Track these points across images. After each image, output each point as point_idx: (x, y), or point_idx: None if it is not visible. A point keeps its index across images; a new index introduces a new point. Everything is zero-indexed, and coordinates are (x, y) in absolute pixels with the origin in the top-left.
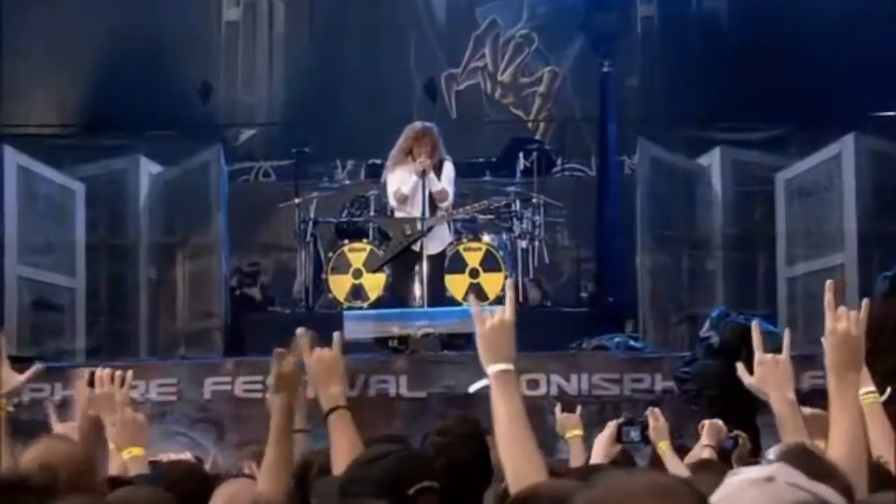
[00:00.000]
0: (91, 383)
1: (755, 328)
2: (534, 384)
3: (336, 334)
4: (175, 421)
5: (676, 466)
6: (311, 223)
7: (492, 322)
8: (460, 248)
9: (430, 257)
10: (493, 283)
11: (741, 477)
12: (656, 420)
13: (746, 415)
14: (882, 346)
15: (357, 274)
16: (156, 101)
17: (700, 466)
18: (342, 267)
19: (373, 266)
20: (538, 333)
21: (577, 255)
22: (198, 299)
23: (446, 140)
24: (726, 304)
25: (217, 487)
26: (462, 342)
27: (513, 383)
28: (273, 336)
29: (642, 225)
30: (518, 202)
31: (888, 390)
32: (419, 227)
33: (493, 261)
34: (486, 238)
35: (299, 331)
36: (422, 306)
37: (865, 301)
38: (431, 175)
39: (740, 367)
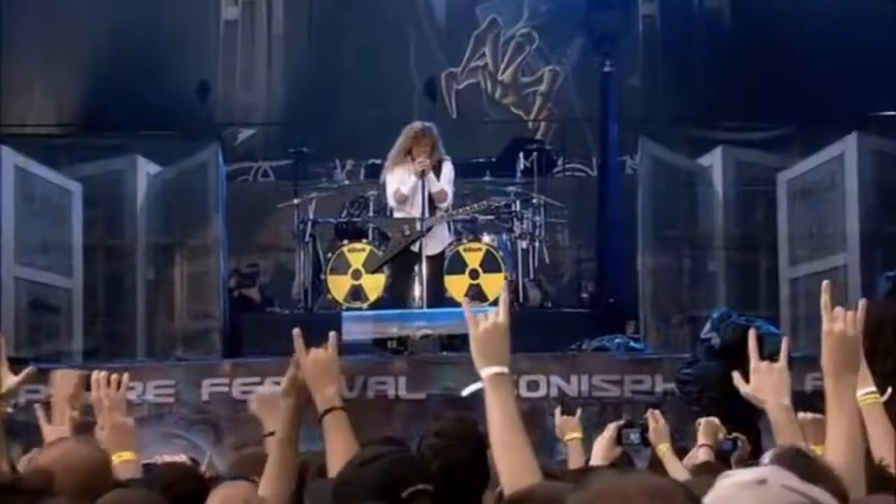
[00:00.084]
0: (87, 386)
1: (751, 336)
2: (534, 385)
3: (332, 334)
4: (172, 423)
5: (676, 469)
6: (310, 223)
7: (485, 325)
8: (460, 248)
9: (430, 258)
10: (493, 283)
11: (733, 479)
12: (656, 422)
13: (747, 417)
14: (881, 347)
15: (356, 275)
16: (154, 101)
17: (700, 469)
18: (341, 267)
19: (372, 266)
20: (539, 334)
21: (577, 255)
22: (196, 300)
23: (446, 140)
24: (728, 305)
25: (213, 490)
26: (461, 343)
27: (507, 386)
28: (272, 337)
29: (643, 225)
30: (518, 202)
31: (889, 390)
32: (418, 227)
33: (493, 261)
34: (486, 238)
35: (295, 331)
36: (421, 307)
37: (862, 301)
38: (431, 175)
39: (736, 377)
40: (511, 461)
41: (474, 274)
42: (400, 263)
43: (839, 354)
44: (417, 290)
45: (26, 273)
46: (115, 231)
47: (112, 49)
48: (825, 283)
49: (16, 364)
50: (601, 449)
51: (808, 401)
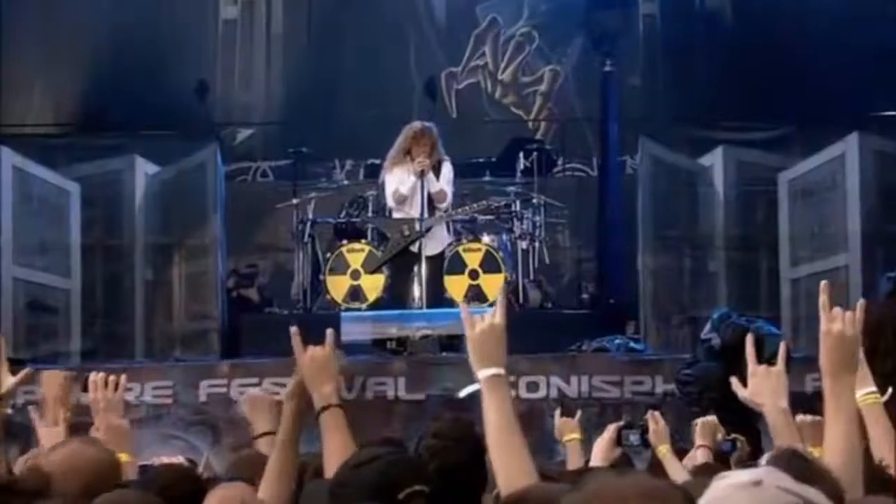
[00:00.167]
0: (84, 387)
1: (749, 340)
2: (533, 386)
3: (329, 332)
4: (170, 424)
5: (676, 470)
6: (308, 224)
7: (482, 326)
8: (460, 248)
9: (429, 258)
10: (492, 284)
11: (728, 481)
12: (656, 423)
13: (747, 418)
14: (881, 347)
15: (355, 275)
16: (152, 101)
17: (700, 470)
18: (340, 268)
19: (371, 267)
20: (539, 335)
21: (577, 255)
22: (194, 301)
23: (446, 139)
24: (729, 305)
25: (210, 491)
26: (461, 344)
27: (504, 388)
28: (270, 338)
29: (644, 225)
30: (518, 202)
31: (889, 391)
32: (418, 227)
33: (492, 262)
34: (485, 239)
35: (293, 329)
36: (421, 308)
37: (861, 301)
38: (430, 175)
39: (734, 381)
40: (508, 463)
41: (474, 274)
42: (399, 264)
43: (837, 354)
44: (417, 291)
45: (24, 274)
46: (114, 231)
47: (110, 48)
48: (823, 283)
49: (14, 365)
50: (601, 450)
51: (809, 402)
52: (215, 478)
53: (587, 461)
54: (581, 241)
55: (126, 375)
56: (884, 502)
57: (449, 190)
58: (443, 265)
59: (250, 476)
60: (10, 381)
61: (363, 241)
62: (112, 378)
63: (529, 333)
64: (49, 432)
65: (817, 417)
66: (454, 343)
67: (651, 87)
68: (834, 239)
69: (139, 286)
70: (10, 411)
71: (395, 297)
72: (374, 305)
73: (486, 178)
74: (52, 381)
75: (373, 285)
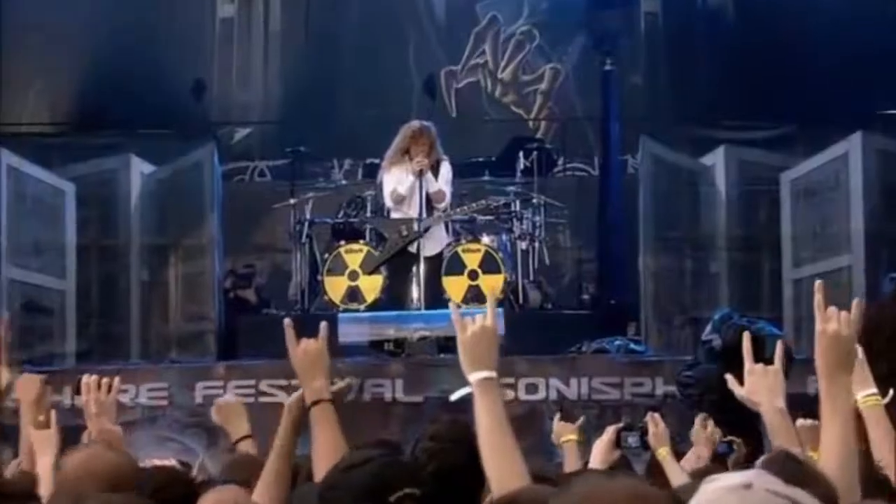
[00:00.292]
0: (77, 390)
1: (746, 338)
2: (532, 388)
3: (323, 325)
4: (166, 426)
5: (676, 473)
6: (306, 224)
7: (473, 328)
8: (459, 249)
9: (427, 259)
10: (492, 285)
11: (718, 484)
12: (656, 425)
13: (748, 420)
14: (877, 349)
15: (353, 276)
16: (148, 100)
17: (699, 473)
18: (338, 268)
19: (369, 267)
20: (539, 336)
21: (578, 256)
22: (191, 302)
23: (445, 139)
24: (730, 306)
25: (203, 495)
26: None
27: (495, 391)
28: (267, 339)
29: (645, 225)
30: (518, 202)
31: (891, 392)
32: (416, 227)
33: (492, 262)
34: (485, 239)
35: (287, 321)
36: (419, 309)
37: (856, 301)
38: (429, 175)
39: (730, 379)
40: (500, 465)
41: (473, 275)
42: (397, 264)
43: (833, 355)
44: (415, 292)
45: (18, 274)
46: (109, 231)
47: (106, 47)
48: (818, 282)
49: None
50: (600, 452)
51: (811, 404)
52: (210, 480)
53: (586, 463)
54: (581, 241)
55: (120, 377)
56: None
57: (447, 190)
58: (441, 266)
59: (245, 478)
60: (6, 376)
61: (361, 241)
62: (105, 380)
63: (529, 334)
64: (39, 436)
65: (817, 422)
66: (452, 345)
67: (652, 85)
68: (837, 239)
69: (135, 287)
70: (11, 404)
71: (393, 297)
72: (373, 306)
73: (486, 178)
74: (28, 385)
75: (371, 286)
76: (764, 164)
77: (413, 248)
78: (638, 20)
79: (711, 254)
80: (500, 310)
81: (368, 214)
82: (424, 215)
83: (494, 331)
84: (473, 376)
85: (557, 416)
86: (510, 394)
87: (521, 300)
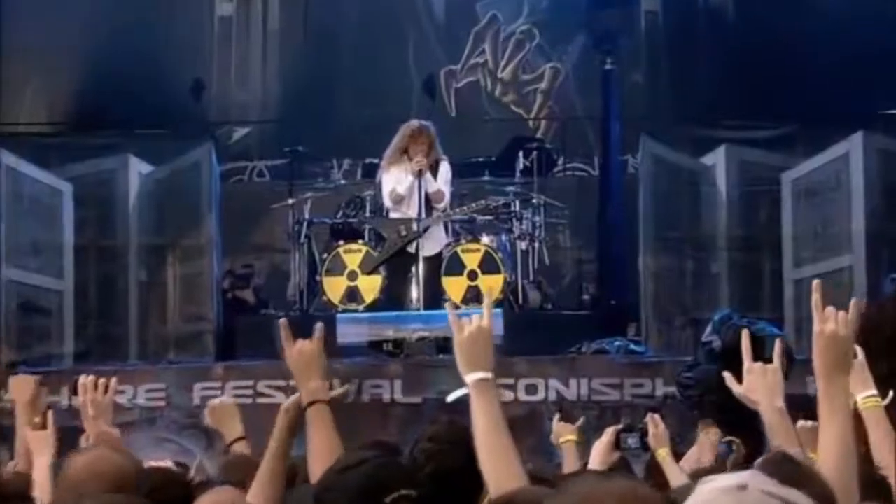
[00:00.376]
0: (74, 390)
1: (744, 336)
2: (532, 389)
3: (318, 326)
4: (164, 427)
5: (675, 474)
6: (305, 224)
7: (469, 329)
8: (458, 249)
9: (426, 259)
10: (492, 285)
11: (713, 485)
12: (655, 427)
13: (749, 420)
14: (875, 349)
15: (352, 276)
16: (146, 99)
17: (699, 474)
18: (337, 269)
19: (368, 268)
20: (539, 337)
21: (578, 256)
22: (189, 302)
23: (445, 138)
24: (731, 307)
25: (199, 496)
26: None
27: (492, 392)
28: (266, 340)
29: (645, 225)
30: (517, 202)
31: (890, 394)
32: (415, 227)
33: (492, 263)
34: (484, 239)
35: (282, 321)
36: (418, 309)
37: (854, 301)
38: (428, 175)
39: (728, 377)
40: (497, 466)
41: (473, 275)
42: (396, 265)
43: (830, 355)
44: (414, 292)
45: (16, 275)
46: (107, 232)
47: (104, 46)
48: (815, 282)
49: (7, 367)
50: (599, 454)
51: (811, 404)
52: (207, 481)
53: (585, 464)
54: (582, 241)
55: (116, 378)
56: None
57: (447, 190)
58: (440, 266)
59: (242, 479)
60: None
61: (360, 241)
62: (102, 381)
63: (529, 335)
64: (36, 436)
65: (818, 423)
66: (451, 345)
67: (653, 85)
68: (838, 239)
69: (133, 287)
70: (7, 405)
71: (392, 298)
72: (372, 307)
73: (486, 178)
74: (22, 386)
75: (370, 286)
76: (765, 163)
77: (412, 249)
78: (638, 19)
79: (712, 254)
80: (500, 310)
81: (367, 214)
82: (423, 215)
83: (490, 331)
84: (470, 377)
85: (557, 416)
86: (508, 394)
87: (520, 301)
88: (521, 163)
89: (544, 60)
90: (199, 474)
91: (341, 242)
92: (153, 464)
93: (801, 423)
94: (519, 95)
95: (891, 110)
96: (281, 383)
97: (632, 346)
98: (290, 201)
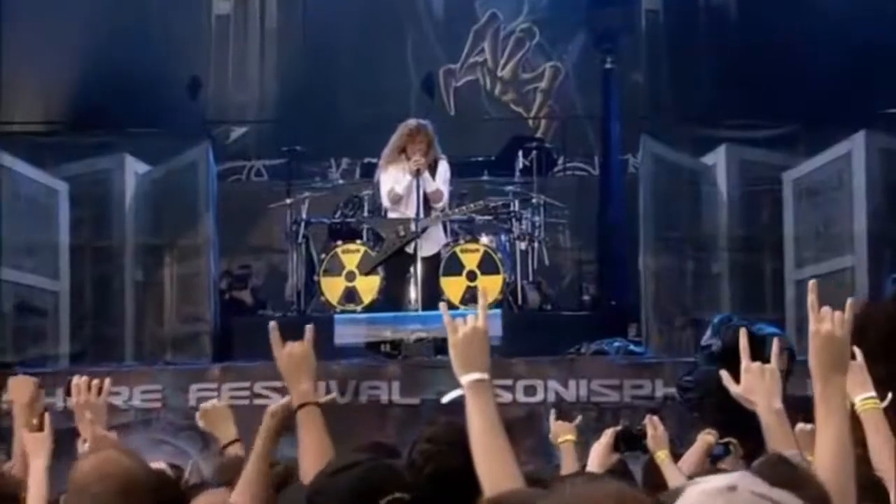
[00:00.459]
0: (67, 391)
1: (742, 335)
2: (531, 390)
3: (308, 328)
4: (159, 429)
5: (674, 476)
6: (303, 224)
7: (464, 330)
8: (457, 249)
9: (425, 259)
10: (491, 286)
11: (702, 486)
12: (654, 429)
13: (749, 420)
14: (867, 350)
15: (350, 276)
16: (142, 98)
17: (697, 477)
18: (335, 269)
19: (366, 268)
20: (538, 338)
21: (578, 256)
22: (186, 303)
23: (444, 137)
24: (732, 307)
25: (193, 498)
26: None
27: (487, 392)
28: (263, 341)
29: (646, 226)
30: (517, 202)
31: (889, 396)
32: (413, 228)
33: (491, 263)
34: (484, 239)
35: (272, 324)
36: (417, 310)
37: (849, 301)
38: (426, 174)
39: (725, 376)
40: (492, 467)
41: (472, 276)
42: (395, 265)
43: (826, 356)
44: (413, 293)
45: (11, 275)
46: (103, 232)
47: (100, 44)
48: (811, 282)
49: (1, 369)
50: (598, 456)
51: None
52: (202, 483)
53: (584, 466)
54: (582, 241)
55: (110, 379)
56: None
57: (445, 189)
58: (439, 266)
59: (235, 481)
60: None
61: (358, 241)
62: (95, 382)
63: (528, 336)
64: (33, 438)
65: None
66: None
67: (653, 84)
68: (840, 239)
69: (129, 288)
70: (5, 406)
71: (390, 298)
72: (370, 308)
73: (485, 178)
74: (21, 387)
75: (368, 287)
76: (766, 163)
77: (410, 249)
78: (639, 18)
79: (713, 254)
80: (497, 311)
81: (365, 214)
82: (422, 215)
83: (486, 332)
84: (465, 378)
85: (553, 414)
86: (506, 396)
87: (520, 301)
88: (520, 162)
89: (544, 59)
90: (194, 476)
91: (339, 243)
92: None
93: (799, 425)
94: (519, 94)
95: (893, 109)
96: (278, 385)
97: (631, 347)
98: (288, 201)
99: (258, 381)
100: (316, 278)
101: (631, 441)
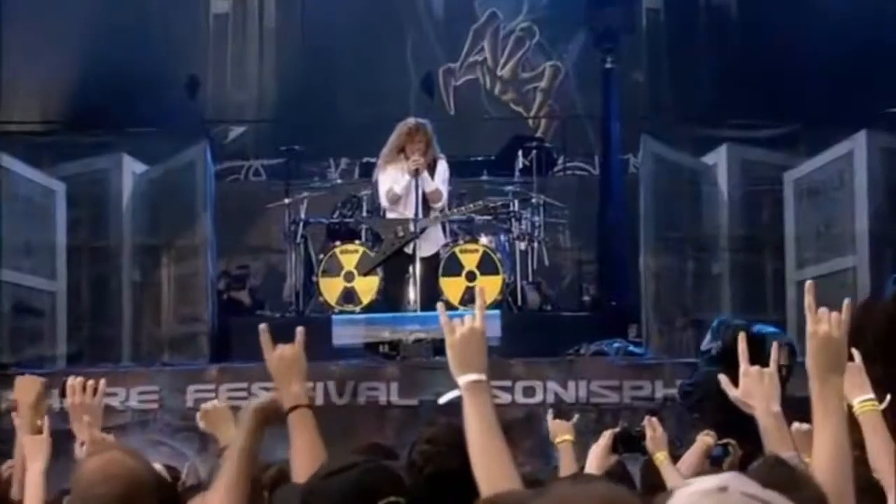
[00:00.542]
0: (62, 392)
1: (741, 338)
2: (530, 391)
3: (299, 330)
4: (157, 430)
5: (673, 478)
6: (301, 224)
7: (462, 330)
8: (456, 249)
9: (424, 260)
10: (490, 286)
11: (693, 488)
12: (653, 430)
13: (749, 420)
14: (863, 351)
15: (349, 277)
16: (140, 97)
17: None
18: (334, 269)
19: (365, 268)
20: (538, 338)
21: (578, 257)
22: (183, 303)
23: (444, 137)
24: (733, 308)
25: (188, 500)
26: None
27: (485, 393)
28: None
29: (646, 226)
30: (516, 202)
31: (888, 398)
32: (412, 228)
33: (490, 263)
34: (483, 239)
35: (262, 326)
36: (415, 311)
37: (847, 302)
38: (425, 174)
39: (724, 380)
40: (489, 468)
41: (471, 276)
42: (393, 265)
43: (824, 357)
44: (411, 293)
45: (8, 276)
46: (100, 232)
47: (98, 44)
48: (808, 283)
49: None
50: (596, 457)
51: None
52: (198, 485)
53: (582, 468)
54: (582, 241)
55: (105, 380)
56: None
57: (444, 189)
58: (438, 266)
59: None
60: None
61: (357, 241)
62: (90, 382)
63: (528, 337)
64: (32, 440)
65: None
66: None
67: (654, 83)
68: (841, 239)
69: (126, 288)
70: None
71: (389, 299)
72: (369, 308)
73: (485, 177)
74: (28, 387)
75: (367, 287)
76: (767, 163)
77: (409, 249)
78: (639, 17)
79: (714, 254)
80: (496, 312)
81: (364, 214)
82: (421, 215)
83: (483, 332)
84: (462, 379)
85: (550, 413)
86: (505, 397)
87: (519, 302)
88: (520, 162)
89: (544, 58)
90: (191, 478)
91: (338, 243)
92: None
93: (795, 425)
94: (518, 94)
95: (894, 109)
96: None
97: (631, 348)
98: (287, 201)
99: (256, 382)
100: (314, 279)
101: (630, 442)
